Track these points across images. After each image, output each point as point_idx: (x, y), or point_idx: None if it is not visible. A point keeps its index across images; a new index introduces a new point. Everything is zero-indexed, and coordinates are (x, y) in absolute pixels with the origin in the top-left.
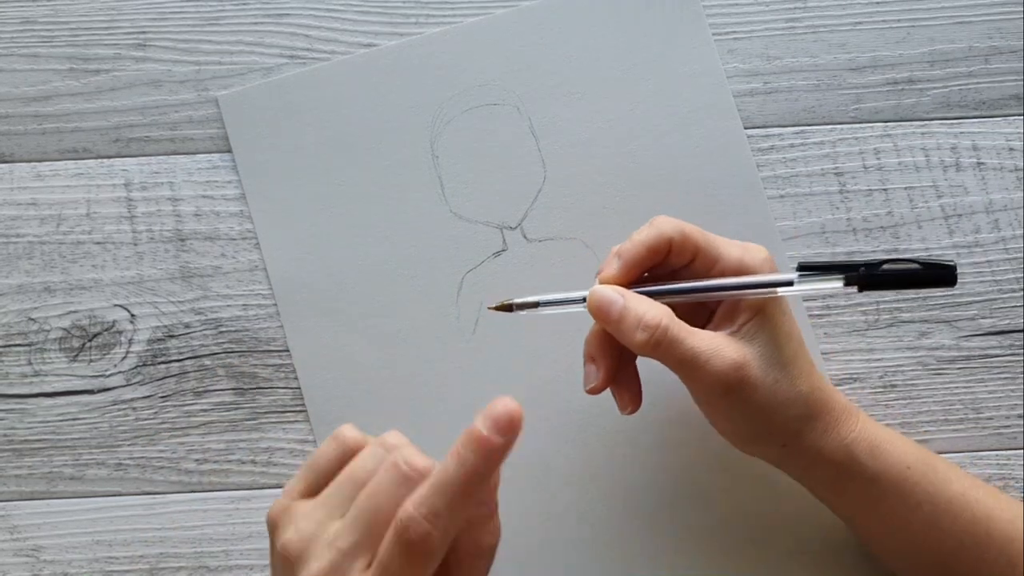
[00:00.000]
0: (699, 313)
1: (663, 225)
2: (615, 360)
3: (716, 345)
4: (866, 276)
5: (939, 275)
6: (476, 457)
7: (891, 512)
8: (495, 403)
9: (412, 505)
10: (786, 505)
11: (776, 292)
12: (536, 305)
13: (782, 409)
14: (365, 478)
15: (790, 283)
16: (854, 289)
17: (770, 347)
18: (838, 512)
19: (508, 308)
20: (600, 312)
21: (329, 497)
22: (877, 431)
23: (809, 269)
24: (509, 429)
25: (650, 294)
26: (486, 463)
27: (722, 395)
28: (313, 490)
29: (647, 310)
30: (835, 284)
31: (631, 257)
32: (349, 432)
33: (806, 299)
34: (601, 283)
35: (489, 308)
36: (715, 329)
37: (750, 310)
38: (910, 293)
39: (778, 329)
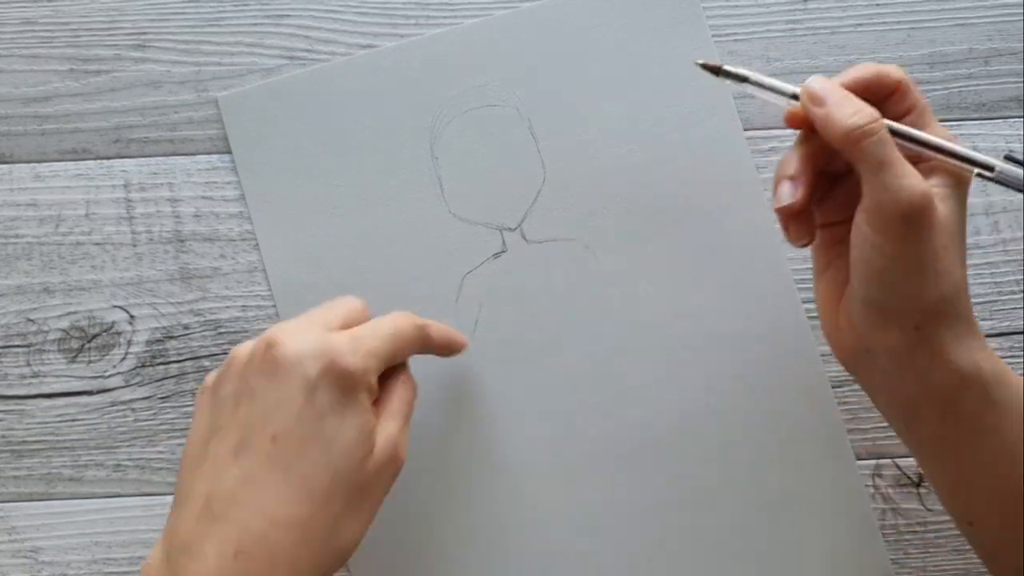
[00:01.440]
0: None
1: (894, 68)
2: (816, 179)
3: (914, 171)
4: None
5: None
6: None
7: (1002, 447)
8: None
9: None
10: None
11: (974, 171)
12: (745, 80)
13: (941, 277)
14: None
15: (990, 167)
16: None
17: (958, 215)
18: (934, 442)
19: (716, 70)
20: (817, 95)
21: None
22: (1002, 363)
23: (1015, 160)
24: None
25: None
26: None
27: (901, 219)
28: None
29: (864, 104)
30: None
31: (857, 76)
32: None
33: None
34: (813, 86)
35: (696, 63)
36: None
37: (948, 176)
38: None
39: (963, 210)
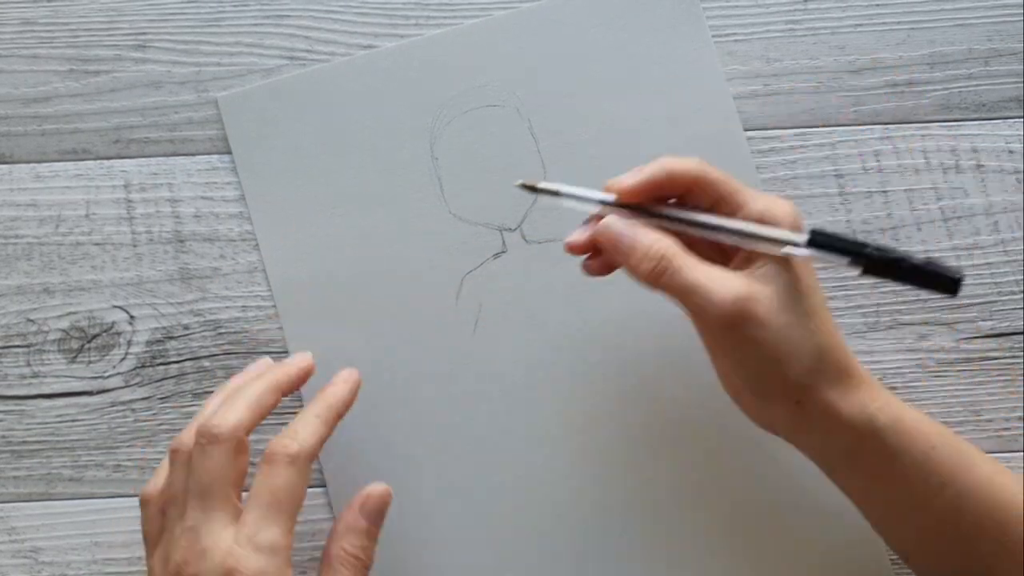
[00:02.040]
0: (719, 258)
1: (691, 162)
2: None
3: (723, 277)
4: (871, 259)
5: (942, 280)
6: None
7: (911, 492)
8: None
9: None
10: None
11: (780, 250)
12: (557, 194)
13: (795, 355)
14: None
15: (799, 244)
16: (858, 270)
17: (787, 293)
18: (852, 491)
19: (532, 188)
20: (610, 241)
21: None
22: (902, 407)
23: (821, 237)
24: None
25: (657, 216)
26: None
27: (726, 329)
28: None
29: (653, 241)
30: (842, 259)
31: (649, 176)
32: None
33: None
34: (607, 190)
35: (515, 185)
36: (732, 269)
37: (771, 255)
38: (910, 295)
39: (800, 280)
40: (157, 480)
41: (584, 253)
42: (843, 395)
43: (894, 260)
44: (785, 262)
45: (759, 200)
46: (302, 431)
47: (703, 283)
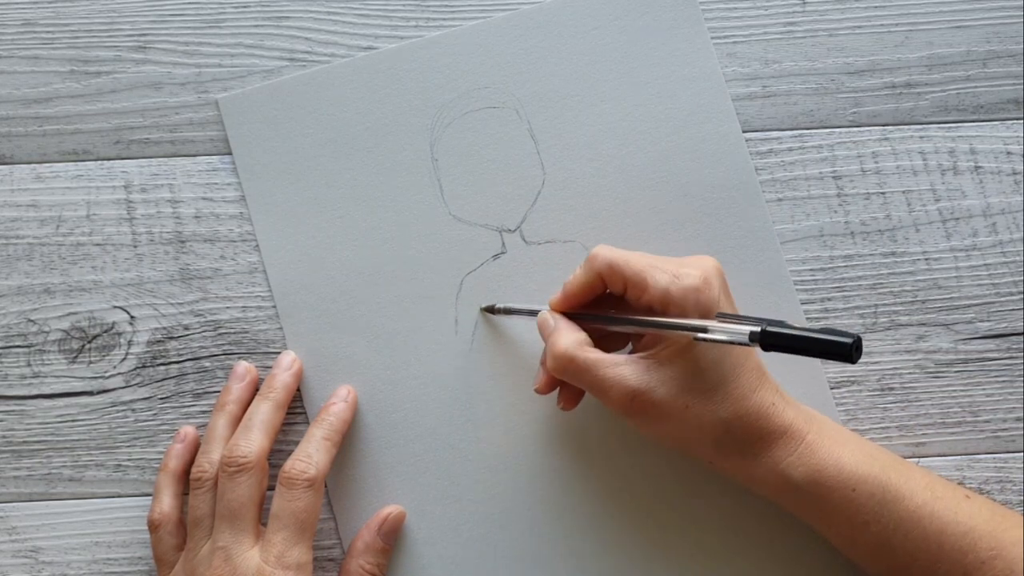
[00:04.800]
0: (632, 335)
1: (594, 261)
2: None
3: (619, 374)
4: (762, 336)
5: (836, 348)
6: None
7: (838, 531)
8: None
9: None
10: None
11: (676, 335)
12: (509, 312)
13: (697, 433)
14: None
15: (703, 329)
16: (756, 347)
17: (686, 374)
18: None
19: (491, 310)
20: (540, 332)
21: None
22: (823, 452)
23: (715, 328)
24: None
25: (578, 319)
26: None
27: (627, 418)
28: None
29: (559, 340)
30: (742, 338)
31: (569, 291)
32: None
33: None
34: (551, 307)
35: (481, 308)
36: (640, 350)
37: (671, 339)
38: (908, 295)
39: (703, 356)
40: (162, 505)
41: (551, 390)
42: (754, 459)
43: (790, 335)
44: (687, 341)
45: (660, 280)
46: (315, 455)
47: (600, 381)
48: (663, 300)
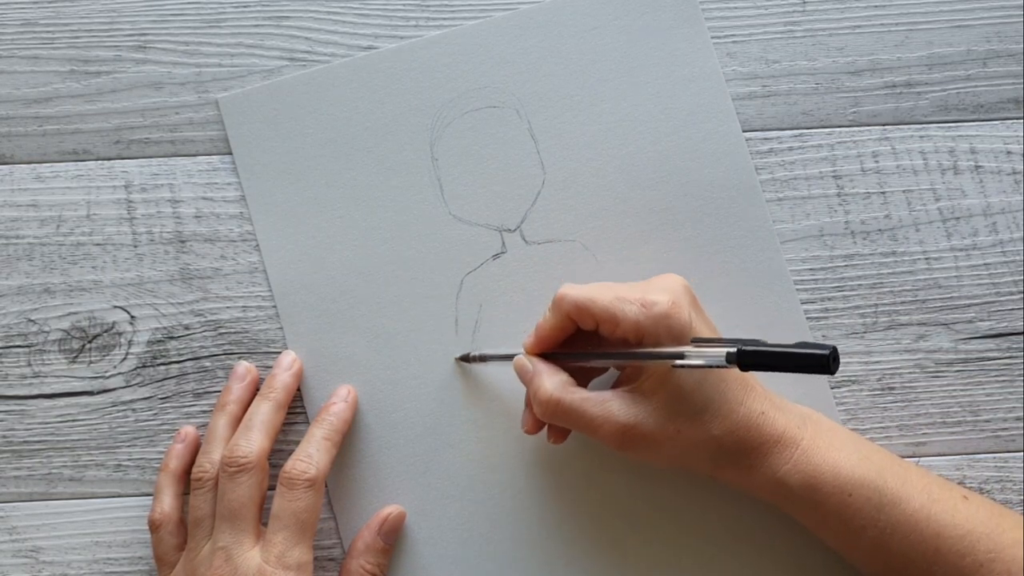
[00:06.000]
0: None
1: (561, 304)
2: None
3: (607, 411)
4: (739, 355)
5: (814, 360)
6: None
7: (835, 535)
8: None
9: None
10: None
11: (653, 364)
12: (484, 359)
13: (691, 452)
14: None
15: (680, 355)
16: (734, 367)
17: (672, 401)
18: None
19: (466, 359)
20: (519, 377)
21: None
22: (819, 458)
23: (690, 352)
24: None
25: (555, 358)
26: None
27: (622, 451)
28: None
29: (542, 384)
30: (719, 361)
31: (542, 334)
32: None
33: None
34: (526, 350)
35: (455, 358)
36: (623, 384)
37: (652, 368)
38: (908, 295)
39: (685, 381)
40: (162, 505)
41: (539, 430)
42: (750, 469)
43: (767, 352)
44: (667, 369)
45: (629, 313)
46: (316, 455)
47: (589, 421)
48: (636, 332)
